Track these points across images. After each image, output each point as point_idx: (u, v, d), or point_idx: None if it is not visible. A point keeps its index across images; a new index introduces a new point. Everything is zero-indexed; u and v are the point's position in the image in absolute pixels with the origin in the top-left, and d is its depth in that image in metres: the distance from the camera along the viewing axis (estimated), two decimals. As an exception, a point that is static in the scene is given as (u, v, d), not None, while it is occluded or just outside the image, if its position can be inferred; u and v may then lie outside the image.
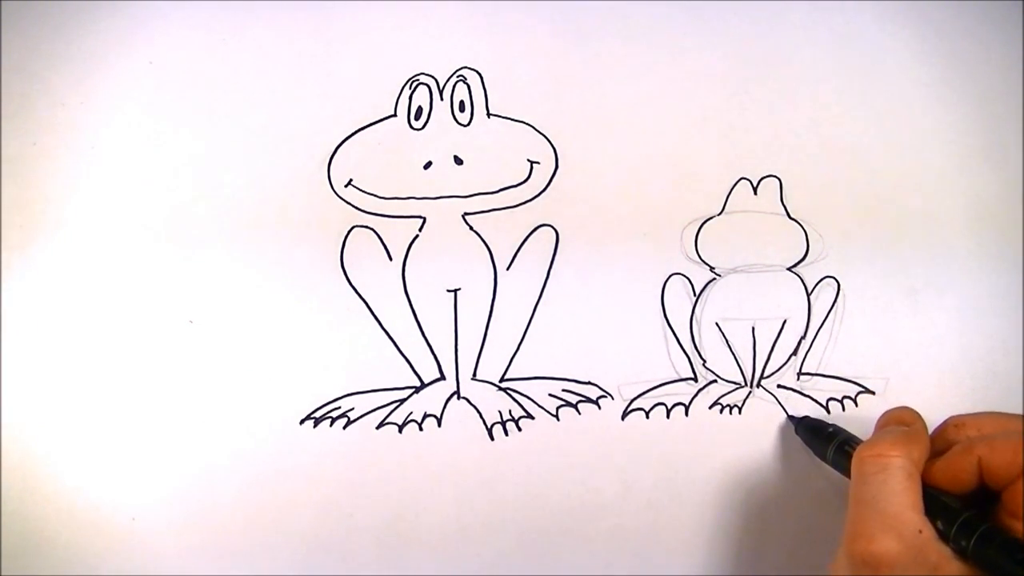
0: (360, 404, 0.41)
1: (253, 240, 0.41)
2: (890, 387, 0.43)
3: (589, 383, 0.42)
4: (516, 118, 0.42)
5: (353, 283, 0.41)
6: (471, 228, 0.42)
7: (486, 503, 0.42)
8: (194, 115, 0.41)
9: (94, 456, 0.40)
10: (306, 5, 0.41)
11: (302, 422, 0.41)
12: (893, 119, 0.43)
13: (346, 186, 0.41)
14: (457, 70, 0.42)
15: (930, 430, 0.35)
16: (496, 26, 0.42)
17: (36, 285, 0.40)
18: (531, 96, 0.42)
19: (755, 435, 0.43)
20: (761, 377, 0.43)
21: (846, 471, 0.35)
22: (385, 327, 0.41)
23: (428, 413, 0.41)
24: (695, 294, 0.42)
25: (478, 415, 0.42)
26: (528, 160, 0.42)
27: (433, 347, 0.41)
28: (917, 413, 0.36)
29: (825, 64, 0.43)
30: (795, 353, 0.43)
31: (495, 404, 0.42)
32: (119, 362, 0.40)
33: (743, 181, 0.42)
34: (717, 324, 0.42)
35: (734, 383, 0.43)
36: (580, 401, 0.42)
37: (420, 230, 0.41)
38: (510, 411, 0.42)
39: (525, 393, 0.42)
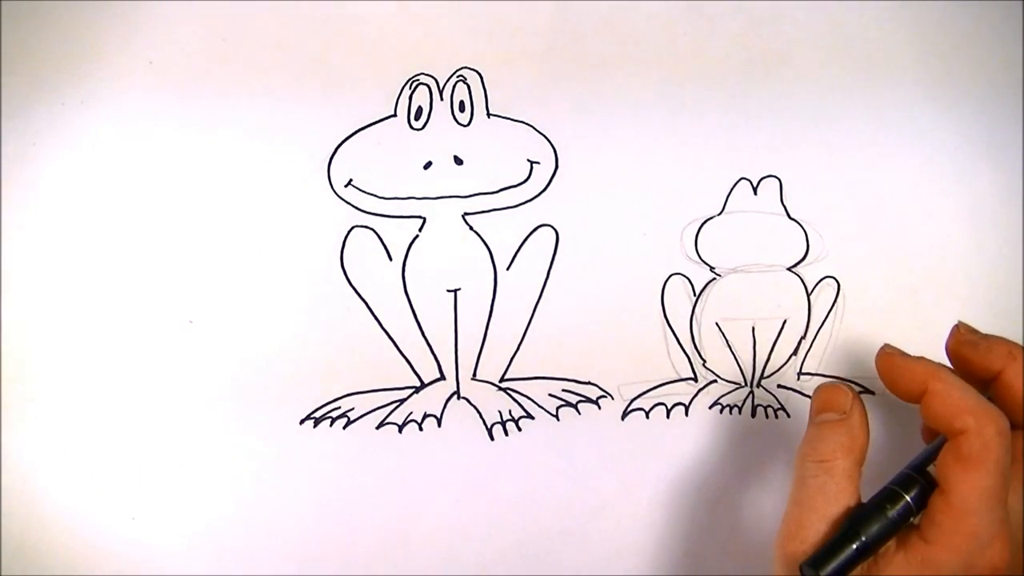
0: (360, 404, 0.41)
1: (253, 240, 0.41)
2: (890, 387, 0.43)
3: (589, 383, 0.42)
4: (516, 118, 0.42)
5: (353, 283, 0.41)
6: (471, 228, 0.42)
7: (486, 503, 0.42)
8: (194, 115, 0.41)
9: (94, 456, 0.40)
10: (306, 5, 0.41)
11: (302, 422, 0.41)
12: (893, 119, 0.43)
13: (346, 186, 0.41)
14: (457, 70, 0.42)
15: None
16: (496, 26, 0.42)
17: (36, 285, 0.40)
18: (531, 96, 0.42)
19: (755, 435, 0.43)
20: (761, 377, 0.43)
21: None
22: (385, 327, 0.41)
23: (428, 413, 0.41)
24: (695, 294, 0.42)
25: (478, 415, 0.42)
26: (528, 160, 0.42)
27: (433, 347, 0.41)
28: (854, 394, 0.35)
29: (825, 64, 0.43)
30: (795, 353, 0.43)
31: (495, 404, 0.42)
32: (119, 362, 0.40)
33: (743, 181, 0.43)
34: (717, 324, 0.42)
35: (734, 383, 0.43)
36: (580, 401, 0.42)
37: (420, 230, 0.41)
38: (510, 411, 0.42)
39: (525, 393, 0.42)
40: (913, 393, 0.32)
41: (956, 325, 0.36)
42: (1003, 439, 0.30)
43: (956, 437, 0.30)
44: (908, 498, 0.31)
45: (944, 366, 0.33)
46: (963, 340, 0.35)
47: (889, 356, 0.34)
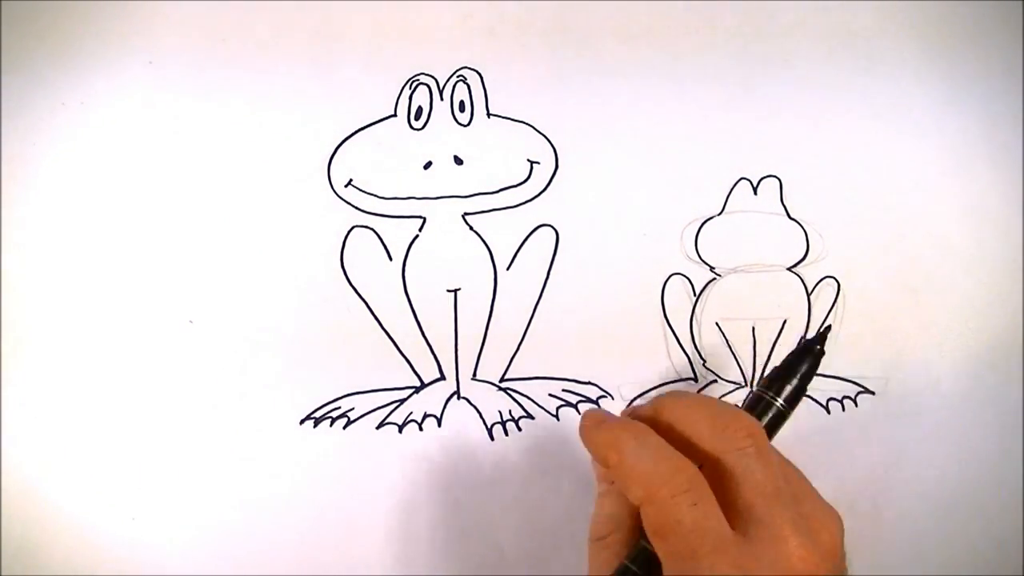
0: (360, 404, 0.41)
1: (253, 240, 0.41)
2: (890, 387, 0.43)
3: (589, 383, 0.42)
4: (516, 118, 0.42)
5: (353, 283, 0.41)
6: (471, 228, 0.42)
7: (486, 503, 0.42)
8: (194, 115, 0.41)
9: (94, 456, 0.40)
10: (306, 5, 0.41)
11: (302, 422, 0.41)
12: (893, 119, 0.43)
13: (346, 186, 0.41)
14: (457, 70, 0.42)
15: None
16: (496, 26, 0.42)
17: (36, 285, 0.40)
18: (531, 96, 0.42)
19: (755, 435, 0.43)
20: (761, 377, 0.43)
21: None
22: (385, 327, 0.41)
23: (428, 413, 0.41)
24: (695, 294, 0.42)
25: (478, 415, 0.42)
26: (528, 160, 0.42)
27: (433, 347, 0.41)
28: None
29: (825, 64, 0.43)
30: (795, 353, 0.43)
31: (495, 404, 0.42)
32: (119, 362, 0.40)
33: (743, 181, 0.42)
34: (717, 324, 0.42)
35: (734, 383, 0.43)
36: (580, 401, 0.42)
37: (420, 230, 0.41)
38: (510, 411, 0.42)
39: (525, 393, 0.42)
40: (605, 468, 0.30)
41: (582, 418, 0.32)
42: (683, 497, 0.27)
43: (640, 512, 0.28)
44: (638, 572, 0.29)
45: (630, 426, 0.30)
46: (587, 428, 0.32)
47: (583, 428, 0.31)
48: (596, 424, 0.31)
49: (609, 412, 0.32)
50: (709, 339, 0.42)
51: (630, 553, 0.30)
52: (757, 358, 0.43)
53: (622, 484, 0.29)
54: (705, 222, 0.42)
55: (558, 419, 0.42)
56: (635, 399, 0.42)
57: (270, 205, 0.41)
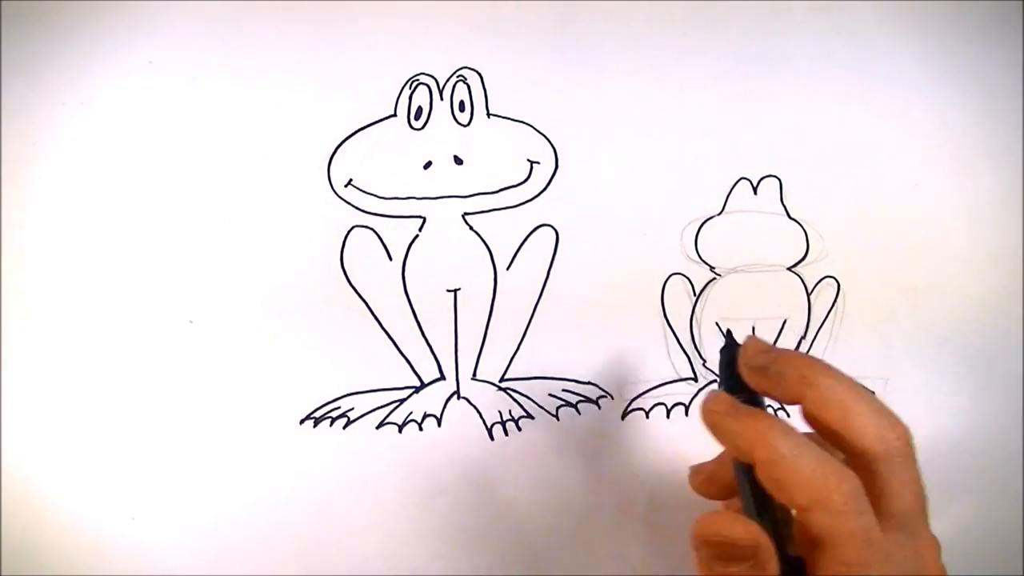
0: (360, 404, 0.41)
1: (253, 240, 0.41)
2: (890, 387, 0.43)
3: (589, 383, 0.42)
4: (516, 118, 0.42)
5: (353, 283, 0.41)
6: (471, 228, 0.42)
7: (486, 503, 0.42)
8: (194, 115, 0.41)
9: (94, 456, 0.40)
10: (306, 5, 0.41)
11: (302, 422, 0.41)
12: (893, 119, 0.43)
13: (346, 186, 0.41)
14: (457, 70, 0.42)
15: None
16: (496, 26, 0.42)
17: (36, 285, 0.40)
18: (531, 96, 0.42)
19: (755, 435, 0.43)
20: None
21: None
22: (385, 327, 0.41)
23: (428, 413, 0.42)
24: (695, 294, 0.42)
25: (478, 415, 0.42)
26: (528, 160, 0.42)
27: (433, 347, 0.41)
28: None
29: (825, 64, 0.43)
30: (795, 353, 0.43)
31: (495, 404, 0.42)
32: (119, 362, 0.40)
33: (743, 181, 0.43)
34: (717, 324, 0.42)
35: (734, 383, 0.43)
36: (580, 401, 0.42)
37: (420, 230, 0.41)
38: (510, 411, 0.42)
39: (525, 393, 0.42)
40: (745, 459, 0.28)
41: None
42: (853, 506, 0.25)
43: (800, 514, 0.26)
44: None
45: (772, 421, 0.28)
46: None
47: (712, 414, 0.29)
48: (730, 412, 0.29)
49: (728, 396, 0.30)
50: (709, 339, 0.43)
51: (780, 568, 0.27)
52: (757, 358, 0.43)
53: (776, 484, 0.26)
54: (705, 222, 0.42)
55: (558, 419, 0.42)
56: (635, 399, 0.42)
57: (270, 205, 0.41)
